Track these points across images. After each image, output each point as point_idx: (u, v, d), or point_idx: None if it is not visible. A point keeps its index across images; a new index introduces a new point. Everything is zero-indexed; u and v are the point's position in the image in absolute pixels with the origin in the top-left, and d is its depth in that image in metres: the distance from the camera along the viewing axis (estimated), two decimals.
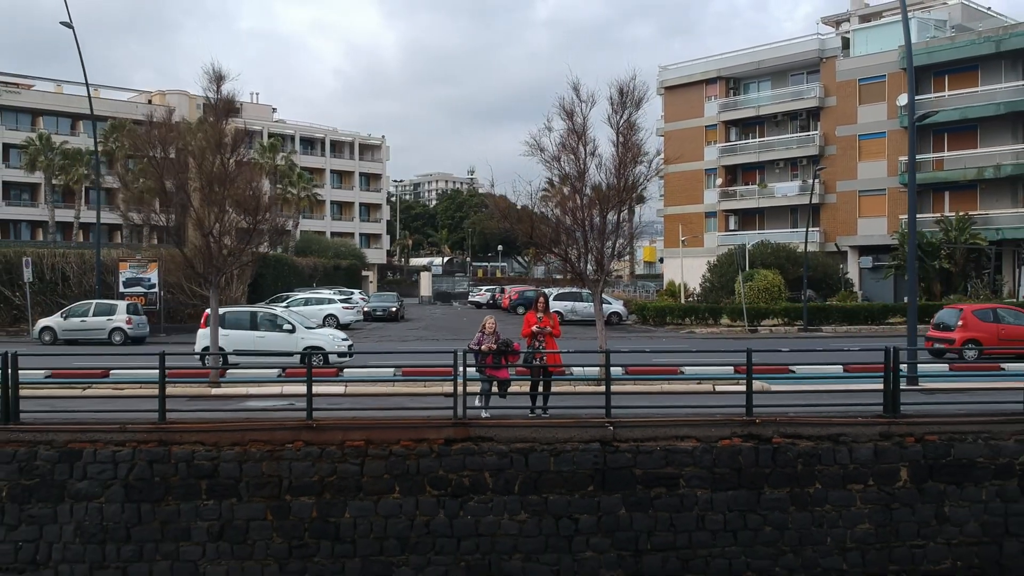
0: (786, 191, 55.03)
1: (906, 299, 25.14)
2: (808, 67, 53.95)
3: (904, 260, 31.67)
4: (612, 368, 14.22)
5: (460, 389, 12.99)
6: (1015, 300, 38.76)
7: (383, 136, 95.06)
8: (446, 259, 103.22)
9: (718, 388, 16.93)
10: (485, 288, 67.14)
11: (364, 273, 77.84)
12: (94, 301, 33.58)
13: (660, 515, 12.57)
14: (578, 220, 19.30)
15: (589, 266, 19.47)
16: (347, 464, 12.54)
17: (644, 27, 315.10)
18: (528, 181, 32.04)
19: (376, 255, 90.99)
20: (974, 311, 25.94)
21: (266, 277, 46.49)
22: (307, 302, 39.70)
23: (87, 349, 27.40)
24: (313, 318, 32.36)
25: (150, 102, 68.19)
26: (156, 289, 38.11)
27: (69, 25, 33.25)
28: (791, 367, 18.13)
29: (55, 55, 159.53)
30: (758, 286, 42.19)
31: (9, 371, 12.79)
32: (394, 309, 48.60)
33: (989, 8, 55.02)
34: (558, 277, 51.79)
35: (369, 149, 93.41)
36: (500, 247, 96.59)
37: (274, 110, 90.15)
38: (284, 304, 36.35)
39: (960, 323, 25.20)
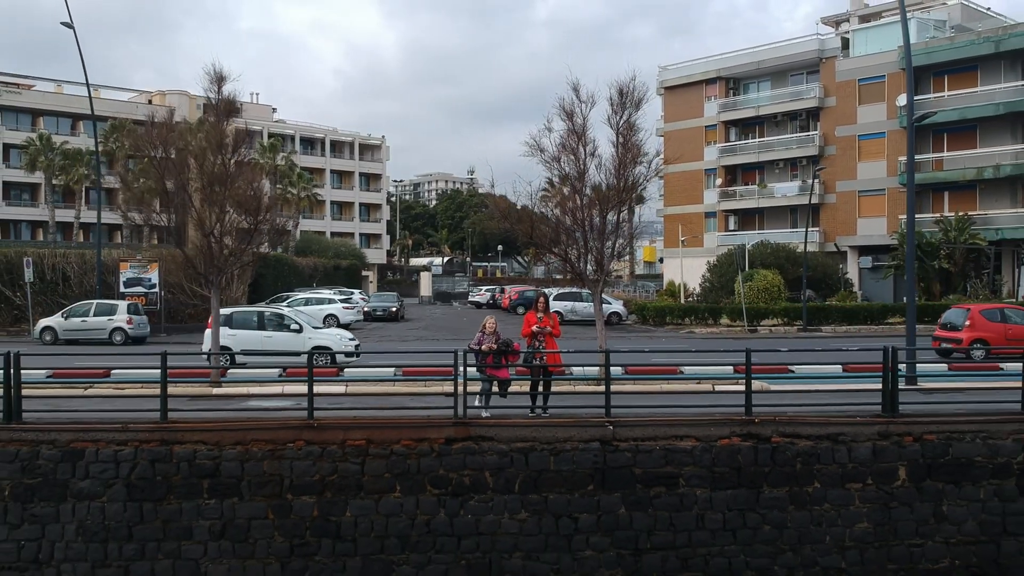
0: (786, 191, 55.10)
1: (905, 299, 25.19)
2: (808, 67, 54.01)
3: (904, 260, 31.69)
4: (612, 368, 14.27)
5: (460, 389, 13.05)
6: (1015, 300, 38.84)
7: (383, 136, 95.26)
8: (446, 259, 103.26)
9: (717, 388, 17.00)
10: (485, 288, 67.17)
11: (364, 273, 77.90)
12: (95, 301, 33.64)
13: (659, 514, 12.62)
14: (578, 220, 19.35)
15: (589, 266, 19.52)
16: (348, 463, 12.59)
17: (644, 27, 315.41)
18: (528, 181, 32.15)
19: (376, 255, 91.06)
20: (981, 311, 26.02)
21: (266, 277, 46.55)
22: (307, 302, 39.74)
23: (88, 349, 27.46)
24: (313, 318, 32.38)
25: (150, 102, 68.32)
26: (157, 289, 38.16)
27: (70, 26, 33.30)
28: (790, 367, 18.20)
29: (55, 55, 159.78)
30: (758, 286, 42.26)
31: (11, 371, 12.84)
32: (394, 309, 48.65)
33: (988, 8, 55.11)
34: (558, 277, 51.84)
35: (369, 149, 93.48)
36: (500, 247, 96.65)
37: (274, 110, 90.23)
38: (284, 304, 36.39)
39: (967, 323, 25.27)
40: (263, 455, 12.56)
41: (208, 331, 21.86)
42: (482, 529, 12.48)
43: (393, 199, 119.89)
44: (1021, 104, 43.93)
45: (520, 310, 45.19)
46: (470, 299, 66.03)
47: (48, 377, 17.55)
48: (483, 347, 14.00)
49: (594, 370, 17.58)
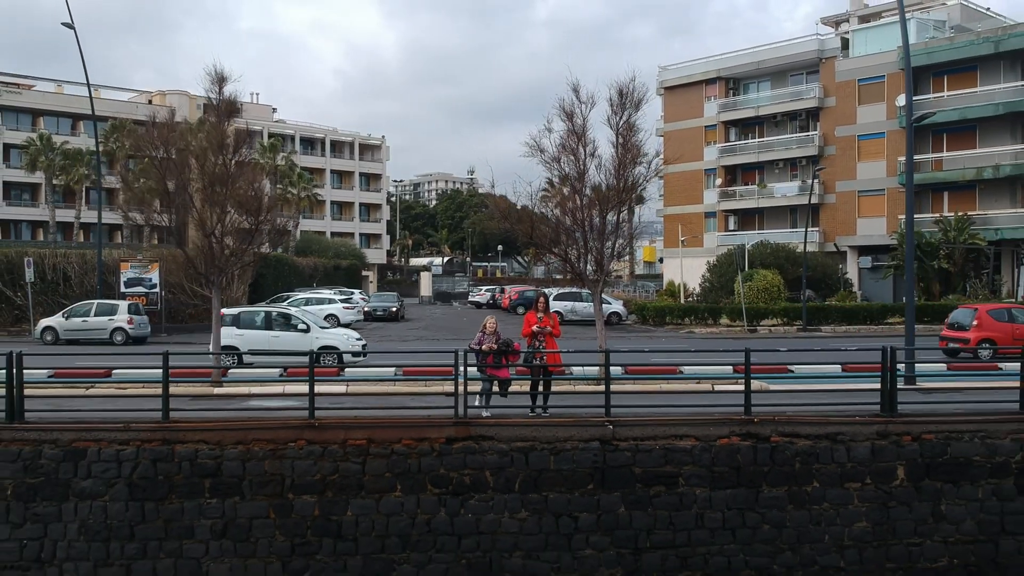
0: (785, 191, 55.15)
1: (904, 299, 25.25)
2: (807, 67, 54.05)
3: (903, 260, 31.73)
4: (612, 368, 14.33)
5: (461, 388, 13.10)
6: (1014, 300, 38.90)
7: (383, 136, 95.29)
8: (446, 259, 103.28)
9: (717, 388, 17.07)
10: (485, 288, 67.19)
11: (364, 273, 77.93)
12: (96, 301, 33.68)
13: (659, 513, 12.67)
14: (578, 220, 19.41)
15: (589, 266, 19.58)
16: (349, 463, 12.64)
17: (644, 27, 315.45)
18: (528, 182, 32.26)
19: (376, 255, 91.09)
20: (989, 311, 26.12)
21: (266, 277, 46.58)
22: (307, 302, 39.73)
23: (89, 349, 27.51)
24: (318, 318, 32.38)
25: (150, 102, 68.29)
26: (157, 289, 38.21)
27: (70, 26, 33.32)
28: (790, 367, 18.24)
29: (55, 55, 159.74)
30: (757, 286, 42.30)
31: (14, 371, 12.89)
32: (394, 309, 48.69)
33: (988, 8, 55.14)
34: (558, 277, 51.92)
35: (369, 149, 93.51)
36: (500, 247, 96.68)
37: (274, 110, 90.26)
38: (285, 304, 36.41)
39: (975, 323, 25.37)
40: (264, 455, 12.61)
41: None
42: (482, 528, 12.53)
43: (393, 199, 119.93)
44: (1021, 104, 43.97)
45: (520, 310, 45.24)
46: (470, 299, 66.06)
47: (50, 377, 17.60)
48: (483, 347, 14.05)
49: (594, 370, 17.64)
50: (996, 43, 44.77)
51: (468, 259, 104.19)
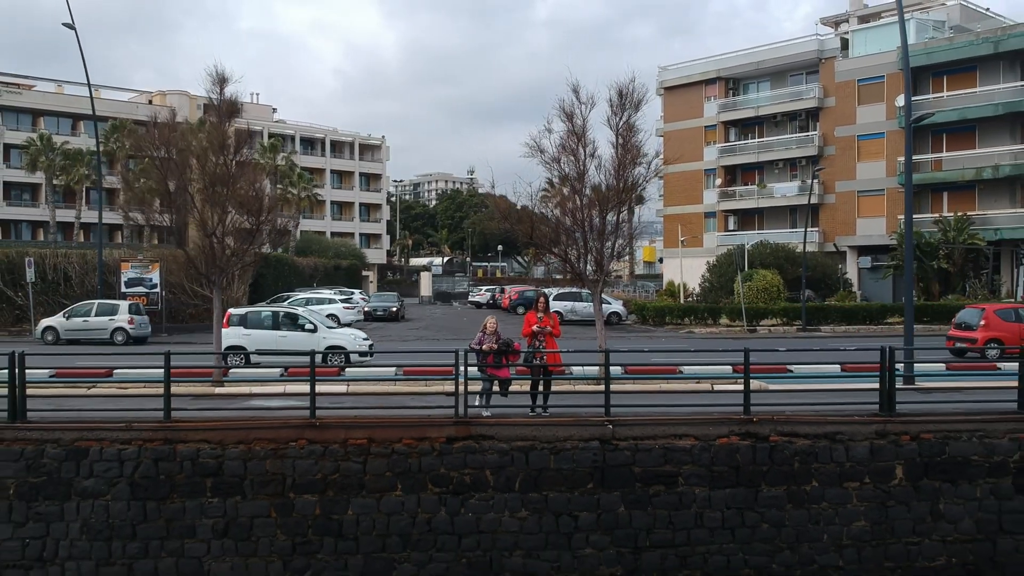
0: (785, 191, 55.19)
1: (904, 299, 25.32)
2: (807, 68, 54.10)
3: (903, 260, 31.80)
4: (611, 367, 14.39)
5: (461, 388, 13.16)
6: (1014, 300, 38.93)
7: (383, 136, 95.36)
8: (446, 259, 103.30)
9: (716, 387, 17.10)
10: (485, 288, 67.24)
11: (364, 273, 77.98)
12: (96, 301, 33.72)
13: (659, 513, 12.73)
14: (578, 221, 19.45)
15: (589, 266, 19.63)
16: (350, 462, 12.69)
17: (644, 27, 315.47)
18: (528, 182, 32.31)
19: (376, 255, 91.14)
20: (996, 311, 26.19)
21: (267, 277, 46.63)
22: (308, 302, 39.74)
23: (90, 349, 27.55)
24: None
25: (150, 102, 68.35)
26: (158, 289, 38.25)
27: (71, 26, 33.34)
28: (789, 366, 18.28)
29: (55, 55, 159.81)
30: (757, 286, 42.35)
31: (16, 371, 12.94)
32: (394, 309, 48.73)
33: (988, 9, 55.19)
34: (558, 277, 51.99)
35: (369, 149, 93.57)
36: (500, 247, 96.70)
37: (274, 110, 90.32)
38: (285, 304, 36.46)
39: (982, 323, 25.44)
40: (266, 454, 12.66)
41: (224, 330, 21.90)
42: (483, 527, 12.58)
43: (393, 199, 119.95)
44: (1020, 104, 44.01)
45: (520, 310, 45.28)
46: (470, 299, 66.11)
47: (51, 377, 17.65)
48: (484, 347, 14.10)
49: (594, 370, 17.69)
50: (995, 43, 44.82)
51: (468, 259, 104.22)
